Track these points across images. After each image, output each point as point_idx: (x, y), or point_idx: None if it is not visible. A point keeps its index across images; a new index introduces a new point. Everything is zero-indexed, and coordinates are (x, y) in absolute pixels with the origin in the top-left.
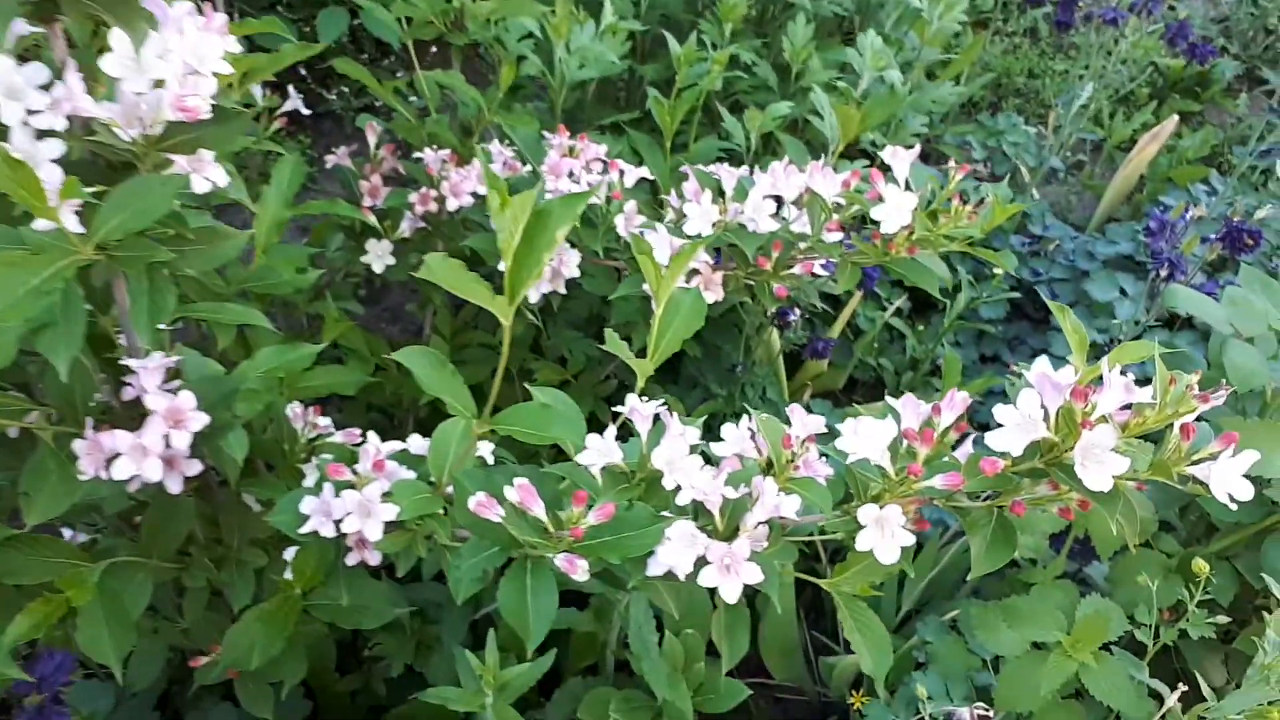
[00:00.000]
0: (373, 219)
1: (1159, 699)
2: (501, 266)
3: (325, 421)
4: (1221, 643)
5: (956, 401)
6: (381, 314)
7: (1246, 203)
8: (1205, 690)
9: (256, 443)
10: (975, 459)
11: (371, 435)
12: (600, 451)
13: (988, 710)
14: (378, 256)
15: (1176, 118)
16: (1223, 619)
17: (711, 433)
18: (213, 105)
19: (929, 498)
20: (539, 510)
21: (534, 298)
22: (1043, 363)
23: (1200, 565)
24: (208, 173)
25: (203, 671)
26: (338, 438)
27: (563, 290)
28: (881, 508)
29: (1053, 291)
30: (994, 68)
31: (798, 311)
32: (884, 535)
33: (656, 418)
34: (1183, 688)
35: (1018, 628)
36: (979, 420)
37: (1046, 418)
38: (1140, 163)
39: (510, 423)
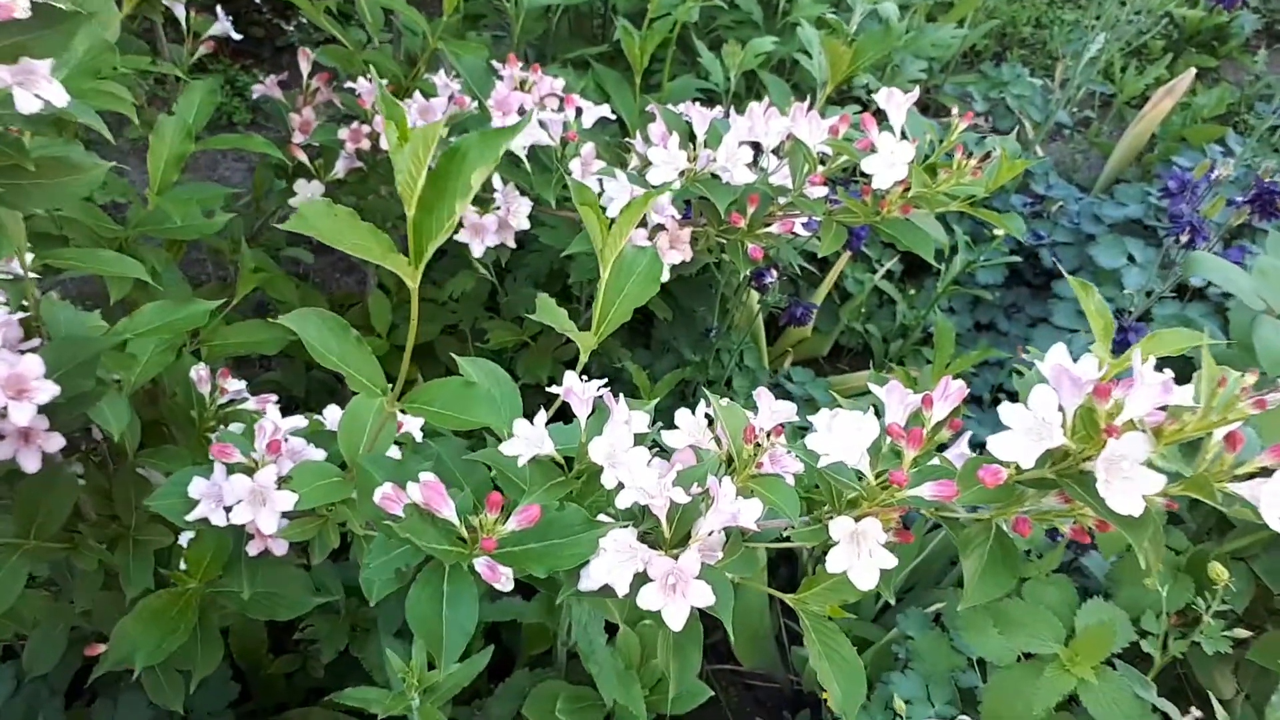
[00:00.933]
0: (302, 156)
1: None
2: None
3: (237, 385)
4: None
5: (951, 392)
6: (336, 264)
7: (1267, 165)
8: (1219, 712)
9: (165, 408)
10: (972, 465)
11: (270, 409)
12: (529, 440)
13: None
14: (307, 199)
15: (1193, 72)
16: (1242, 632)
17: (684, 400)
18: (35, 4)
19: (914, 508)
20: (449, 512)
21: (478, 251)
22: (1059, 352)
23: (1219, 572)
24: (39, 89)
25: (103, 660)
26: (250, 405)
27: (512, 243)
28: (858, 520)
29: (1055, 256)
30: (999, 14)
31: (775, 273)
32: (860, 553)
33: (598, 401)
34: (1196, 713)
35: (1010, 634)
36: (973, 392)
37: (1064, 421)
38: (1152, 120)
39: (425, 402)
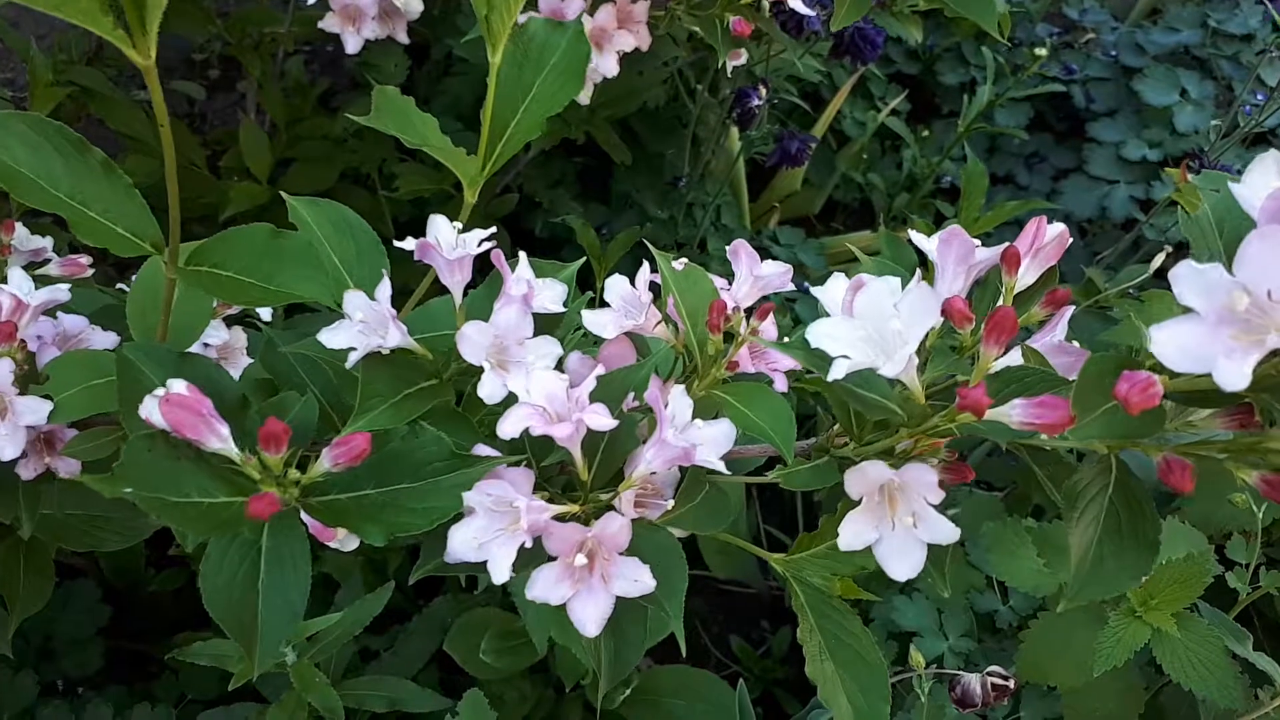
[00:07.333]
0: None
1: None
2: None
3: (38, 242)
4: None
5: (1047, 243)
6: (240, 103)
7: None
8: None
9: None
10: (1099, 371)
11: (15, 274)
12: (365, 324)
13: (1007, 677)
14: None
15: None
16: None
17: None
18: None
19: (983, 436)
20: (219, 442)
21: (353, 45)
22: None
23: None
24: None
25: None
26: (54, 267)
27: (402, 37)
28: (898, 466)
29: (1088, 95)
30: None
31: (764, 92)
32: (895, 519)
33: (484, 267)
34: None
35: (1058, 566)
36: None
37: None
38: None
39: (215, 263)
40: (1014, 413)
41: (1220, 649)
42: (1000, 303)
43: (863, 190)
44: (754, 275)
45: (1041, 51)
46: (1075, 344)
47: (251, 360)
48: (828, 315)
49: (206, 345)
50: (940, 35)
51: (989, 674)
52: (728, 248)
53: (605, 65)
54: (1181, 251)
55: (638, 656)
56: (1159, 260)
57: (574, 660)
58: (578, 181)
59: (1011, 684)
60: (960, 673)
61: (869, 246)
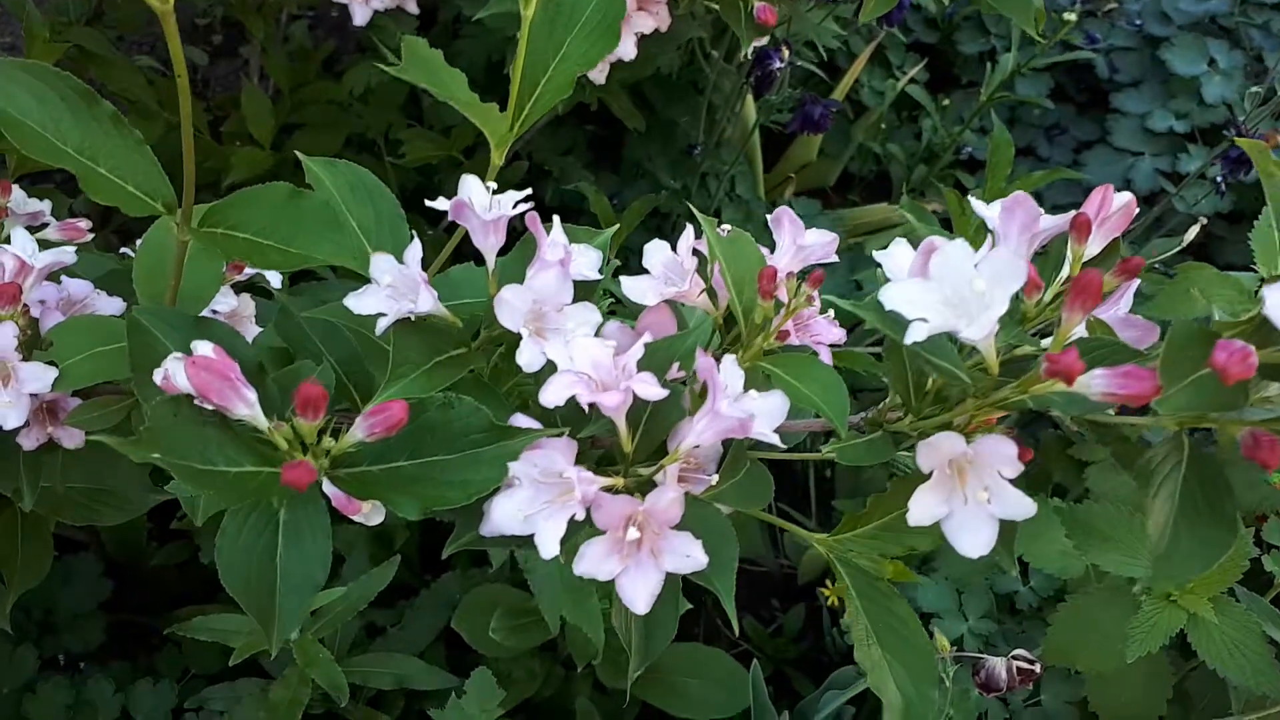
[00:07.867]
0: None
1: None
2: None
3: (38, 205)
4: None
5: (1113, 212)
6: (244, 68)
7: None
8: None
9: None
10: (1186, 339)
11: (18, 235)
12: (394, 288)
13: (1032, 661)
14: None
15: None
16: None
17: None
18: None
19: (1053, 410)
20: (246, 409)
21: (361, 16)
22: None
23: None
24: None
25: None
26: (52, 231)
27: (413, 7)
28: (970, 436)
29: (1112, 65)
30: None
31: (786, 55)
32: (966, 495)
33: (517, 229)
34: None
35: (1090, 549)
36: None
37: None
38: None
39: (226, 222)
40: (1095, 383)
41: (1258, 634)
42: (1067, 272)
43: (879, 162)
44: (797, 244)
45: (1071, 16)
46: (1140, 317)
47: (259, 329)
48: (891, 276)
49: (215, 312)
50: (959, 3)
51: (1014, 657)
52: (769, 216)
53: (623, 48)
54: (1213, 223)
55: (668, 640)
56: (1193, 232)
57: (585, 639)
58: (588, 149)
59: (1038, 668)
60: (984, 656)
61: (892, 219)
